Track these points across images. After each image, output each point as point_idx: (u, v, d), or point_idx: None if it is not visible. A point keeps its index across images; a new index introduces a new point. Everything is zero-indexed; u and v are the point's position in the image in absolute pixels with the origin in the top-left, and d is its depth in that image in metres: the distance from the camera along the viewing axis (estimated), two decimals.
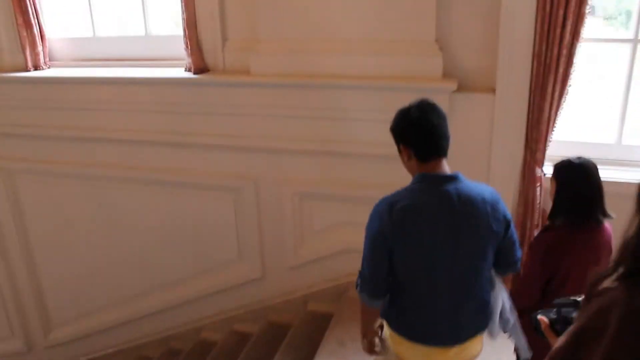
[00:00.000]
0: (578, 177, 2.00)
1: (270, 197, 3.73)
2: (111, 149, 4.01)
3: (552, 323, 1.33)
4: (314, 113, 3.36)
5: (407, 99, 1.90)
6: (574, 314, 1.25)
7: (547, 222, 2.12)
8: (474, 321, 1.90)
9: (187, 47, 3.51)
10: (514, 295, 2.01)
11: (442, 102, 2.15)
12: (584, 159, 2.03)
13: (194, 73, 3.52)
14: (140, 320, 4.59)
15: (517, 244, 1.91)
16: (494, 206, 1.78)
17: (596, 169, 2.01)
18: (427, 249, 1.76)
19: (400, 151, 1.86)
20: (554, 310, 1.36)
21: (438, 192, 1.74)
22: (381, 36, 3.07)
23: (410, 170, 1.87)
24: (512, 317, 1.97)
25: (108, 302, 4.70)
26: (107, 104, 3.89)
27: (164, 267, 4.30)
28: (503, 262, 1.89)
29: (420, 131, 1.78)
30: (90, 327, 4.87)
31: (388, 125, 1.92)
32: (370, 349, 2.02)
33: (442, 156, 1.80)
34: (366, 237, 1.84)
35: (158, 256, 4.29)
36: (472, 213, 1.74)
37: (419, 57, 3.02)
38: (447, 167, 1.81)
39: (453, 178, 1.77)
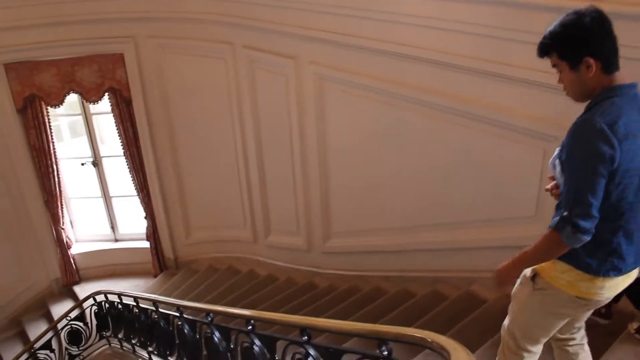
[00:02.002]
0: None
1: None
2: (417, 68, 4.49)
3: None
4: None
5: None
6: None
7: None
8: None
9: None
10: None
11: None
12: None
13: None
14: (411, 253, 5.31)
15: None
16: None
17: None
18: (638, 165, 1.97)
19: (575, 67, 2.00)
20: None
21: (637, 103, 1.98)
22: None
23: (584, 87, 2.04)
24: None
25: (384, 226, 5.53)
26: (421, 20, 4.32)
27: (447, 206, 4.79)
28: None
29: (611, 40, 1.95)
30: (363, 245, 5.89)
31: None
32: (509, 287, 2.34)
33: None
34: (585, 164, 1.95)
35: (443, 192, 4.78)
36: None
37: None
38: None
39: (638, 85, 2.00)
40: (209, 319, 3.64)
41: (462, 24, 4.07)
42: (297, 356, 2.68)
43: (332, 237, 6.27)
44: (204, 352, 3.82)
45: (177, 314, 4.18)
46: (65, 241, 8.00)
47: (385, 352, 2.06)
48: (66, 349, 6.01)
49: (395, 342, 2.11)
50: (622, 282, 2.20)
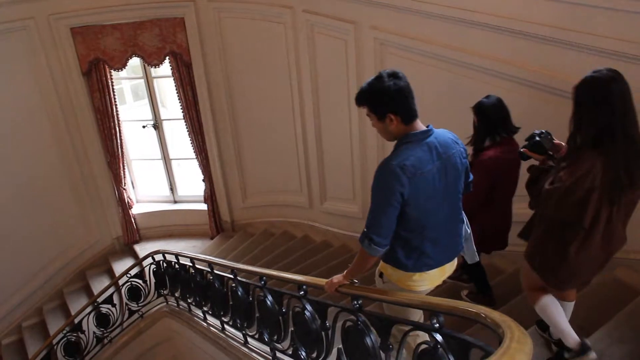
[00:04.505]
0: (494, 107, 3.56)
1: None
2: (484, 36, 4.35)
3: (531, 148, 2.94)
4: None
5: None
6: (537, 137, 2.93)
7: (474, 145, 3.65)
8: (459, 239, 2.87)
9: None
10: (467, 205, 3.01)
11: None
12: (492, 95, 3.61)
13: None
14: None
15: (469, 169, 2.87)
16: (457, 142, 2.71)
17: (501, 100, 3.58)
18: (432, 191, 2.56)
19: (382, 120, 2.57)
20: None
21: (426, 145, 2.56)
22: None
23: (389, 133, 2.62)
24: (469, 228, 2.98)
25: None
26: None
27: None
28: (464, 185, 2.82)
29: (406, 99, 2.52)
30: None
31: None
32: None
33: (417, 115, 2.59)
34: (380, 197, 2.54)
35: None
36: (450, 153, 2.62)
37: None
38: (420, 122, 2.60)
39: (430, 131, 2.61)
40: (262, 282, 3.70)
41: None
42: (348, 323, 2.71)
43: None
44: (257, 315, 3.91)
45: (232, 276, 4.27)
46: (126, 201, 8.30)
47: (437, 325, 2.04)
48: (126, 304, 6.27)
49: (448, 315, 2.09)
50: (439, 276, 2.84)
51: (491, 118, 3.59)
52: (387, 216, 2.53)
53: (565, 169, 2.59)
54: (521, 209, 4.06)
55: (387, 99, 2.51)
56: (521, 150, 2.99)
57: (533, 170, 2.91)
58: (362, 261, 2.76)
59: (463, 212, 2.90)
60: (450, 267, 2.87)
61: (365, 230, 2.61)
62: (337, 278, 2.97)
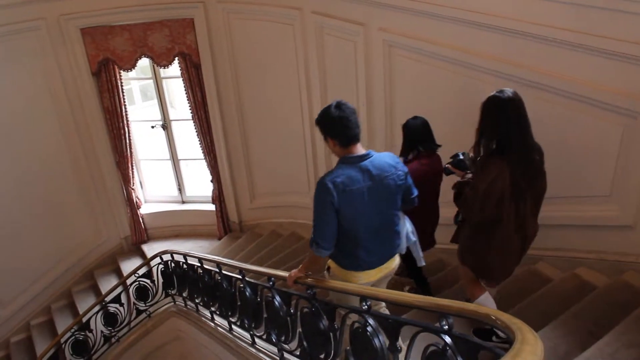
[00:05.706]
0: (417, 127, 4.22)
1: None
2: (493, 37, 4.32)
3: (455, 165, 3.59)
4: None
5: None
6: (461, 156, 3.58)
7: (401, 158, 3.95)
8: (392, 246, 3.33)
9: None
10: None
11: None
12: (419, 117, 4.26)
13: None
14: None
15: (413, 186, 3.31)
16: (396, 166, 3.13)
17: (425, 122, 4.23)
18: (360, 206, 3.02)
19: (326, 140, 3.10)
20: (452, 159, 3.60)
21: (359, 167, 3.02)
22: None
23: (336, 153, 3.13)
24: (414, 236, 3.57)
25: (450, 199, 5.47)
26: None
27: None
28: (405, 200, 3.30)
29: (345, 127, 3.00)
30: None
31: None
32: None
33: (358, 141, 3.07)
34: (318, 207, 3.04)
35: None
36: (384, 175, 3.06)
37: None
38: (361, 147, 3.10)
39: (367, 155, 3.06)
40: (271, 283, 3.71)
41: None
42: (356, 325, 2.71)
43: None
44: (264, 315, 3.91)
45: (240, 277, 4.27)
46: (135, 201, 8.33)
47: (446, 327, 2.03)
48: (134, 303, 6.29)
49: (457, 317, 2.08)
50: (375, 273, 3.27)
51: (414, 136, 4.20)
52: (327, 223, 3.03)
53: (479, 176, 3.18)
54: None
55: (328, 125, 3.05)
56: (446, 166, 3.66)
57: (457, 186, 3.47)
58: (313, 261, 3.30)
59: (409, 222, 3.50)
60: (387, 265, 3.32)
61: (312, 236, 3.10)
62: (294, 272, 3.44)
